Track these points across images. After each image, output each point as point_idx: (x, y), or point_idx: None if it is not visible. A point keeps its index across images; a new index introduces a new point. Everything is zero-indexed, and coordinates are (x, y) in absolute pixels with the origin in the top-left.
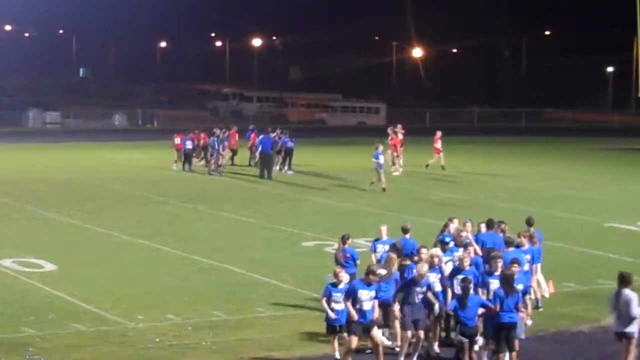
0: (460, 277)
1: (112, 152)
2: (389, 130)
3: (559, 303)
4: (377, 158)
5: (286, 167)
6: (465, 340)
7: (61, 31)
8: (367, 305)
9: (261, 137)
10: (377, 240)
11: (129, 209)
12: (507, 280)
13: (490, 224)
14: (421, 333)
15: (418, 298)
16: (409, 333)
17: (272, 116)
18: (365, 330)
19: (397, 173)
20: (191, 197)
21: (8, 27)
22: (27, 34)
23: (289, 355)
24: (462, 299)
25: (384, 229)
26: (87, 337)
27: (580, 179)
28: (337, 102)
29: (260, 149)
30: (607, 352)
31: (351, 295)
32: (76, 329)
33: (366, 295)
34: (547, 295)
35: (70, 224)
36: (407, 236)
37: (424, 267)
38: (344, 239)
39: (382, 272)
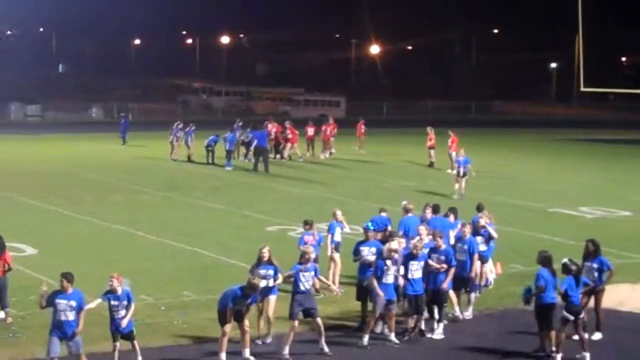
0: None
1: (89, 143)
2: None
3: (506, 283)
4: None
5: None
6: (572, 317)
7: (41, 29)
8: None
9: (255, 131)
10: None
11: (105, 197)
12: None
13: (436, 209)
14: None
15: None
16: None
17: (240, 109)
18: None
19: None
20: (163, 186)
21: None
22: (9, 32)
23: (255, 332)
24: (577, 279)
25: (339, 213)
26: None
27: (527, 168)
28: (300, 96)
29: (255, 143)
30: None
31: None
32: None
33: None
34: (494, 276)
35: (51, 211)
36: (384, 214)
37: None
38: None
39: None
